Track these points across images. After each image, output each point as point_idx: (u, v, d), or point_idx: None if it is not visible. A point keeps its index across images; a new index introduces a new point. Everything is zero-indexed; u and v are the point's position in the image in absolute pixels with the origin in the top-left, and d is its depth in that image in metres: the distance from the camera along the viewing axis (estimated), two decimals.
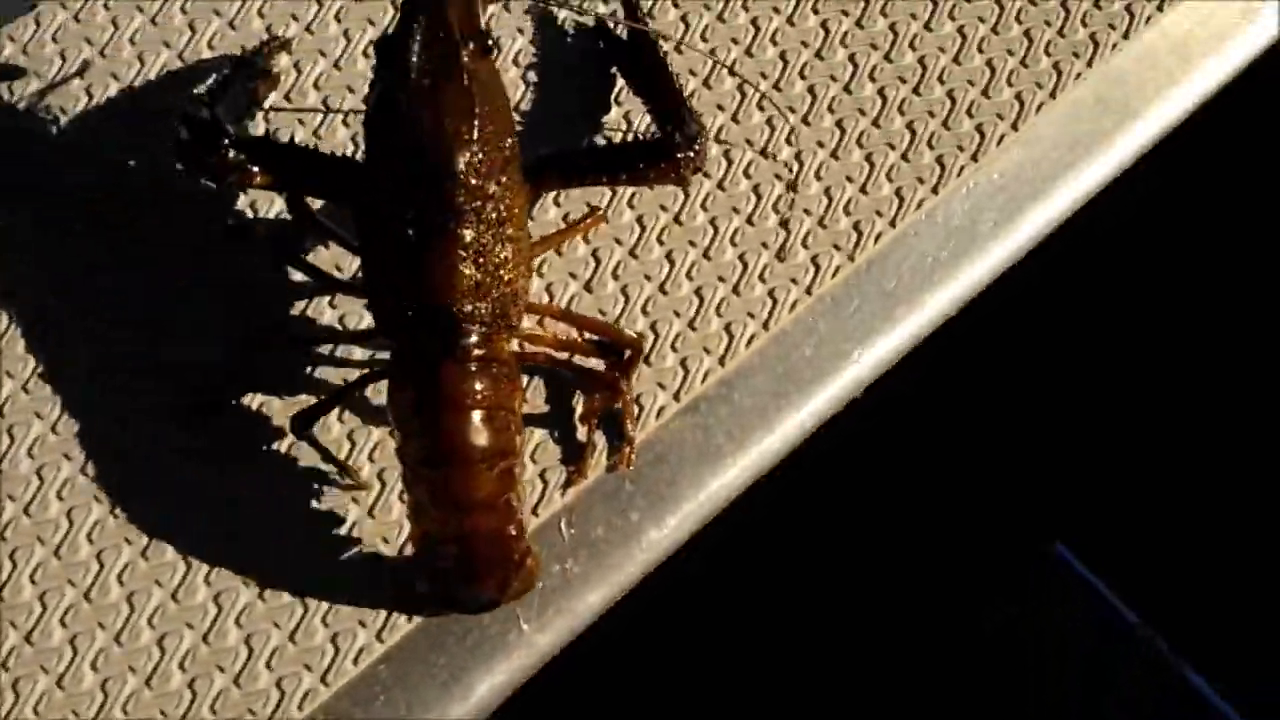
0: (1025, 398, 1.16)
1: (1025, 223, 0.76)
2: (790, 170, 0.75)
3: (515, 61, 0.76)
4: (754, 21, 0.78)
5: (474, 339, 0.62)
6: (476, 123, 0.62)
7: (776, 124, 0.75)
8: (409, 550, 0.68)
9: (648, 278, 0.73)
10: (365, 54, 0.76)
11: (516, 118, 0.72)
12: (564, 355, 0.69)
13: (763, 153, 0.75)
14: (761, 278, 0.74)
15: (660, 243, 0.74)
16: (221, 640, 0.67)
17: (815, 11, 0.78)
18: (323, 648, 0.67)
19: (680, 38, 0.77)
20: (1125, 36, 0.78)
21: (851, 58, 0.77)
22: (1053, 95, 0.77)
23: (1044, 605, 1.07)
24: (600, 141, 0.75)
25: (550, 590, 0.68)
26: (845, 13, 0.78)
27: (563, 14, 0.77)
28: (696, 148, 0.67)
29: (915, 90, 0.77)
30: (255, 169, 0.65)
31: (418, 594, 0.65)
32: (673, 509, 0.70)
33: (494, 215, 0.63)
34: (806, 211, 0.75)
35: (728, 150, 0.75)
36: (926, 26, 0.78)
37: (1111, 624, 1.02)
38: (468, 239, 0.62)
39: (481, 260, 0.62)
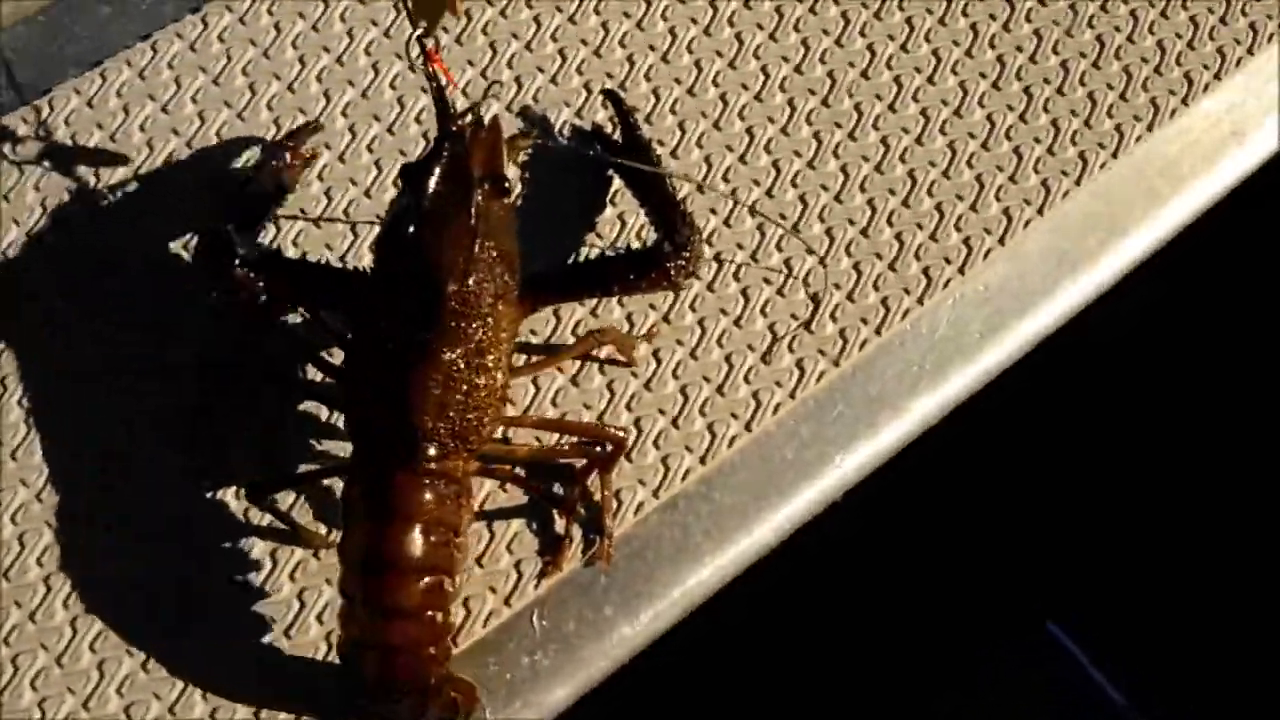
0: (1007, 496, 1.16)
1: (1010, 336, 0.77)
2: (781, 275, 0.76)
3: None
4: (749, 130, 0.80)
5: (431, 454, 0.64)
6: (474, 256, 0.65)
7: (767, 230, 0.77)
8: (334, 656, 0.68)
9: (634, 374, 0.74)
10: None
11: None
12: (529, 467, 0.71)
13: (753, 257, 0.77)
14: (746, 379, 0.75)
15: (647, 340, 0.75)
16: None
17: (809, 122, 0.80)
18: None
19: (676, 144, 0.79)
20: (1114, 155, 0.80)
21: (844, 168, 0.79)
22: (1040, 212, 0.78)
23: (1032, 686, 1.07)
24: (593, 249, 0.76)
25: (519, 682, 0.68)
26: (838, 124, 0.80)
27: (562, 115, 0.80)
28: (687, 254, 0.69)
29: (904, 202, 0.78)
30: (263, 285, 0.68)
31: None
32: (647, 605, 0.70)
33: (474, 344, 0.65)
34: (793, 316, 0.76)
35: (719, 253, 0.77)
36: (918, 140, 0.79)
37: (1100, 705, 1.01)
38: (443, 361, 0.64)
39: (453, 384, 0.64)
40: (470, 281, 0.65)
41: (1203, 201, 0.81)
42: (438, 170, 0.66)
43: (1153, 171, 0.80)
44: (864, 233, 0.78)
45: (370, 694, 0.63)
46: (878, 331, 0.76)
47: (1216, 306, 1.12)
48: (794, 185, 0.79)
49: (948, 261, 0.77)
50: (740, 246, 0.77)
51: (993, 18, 0.82)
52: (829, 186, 0.79)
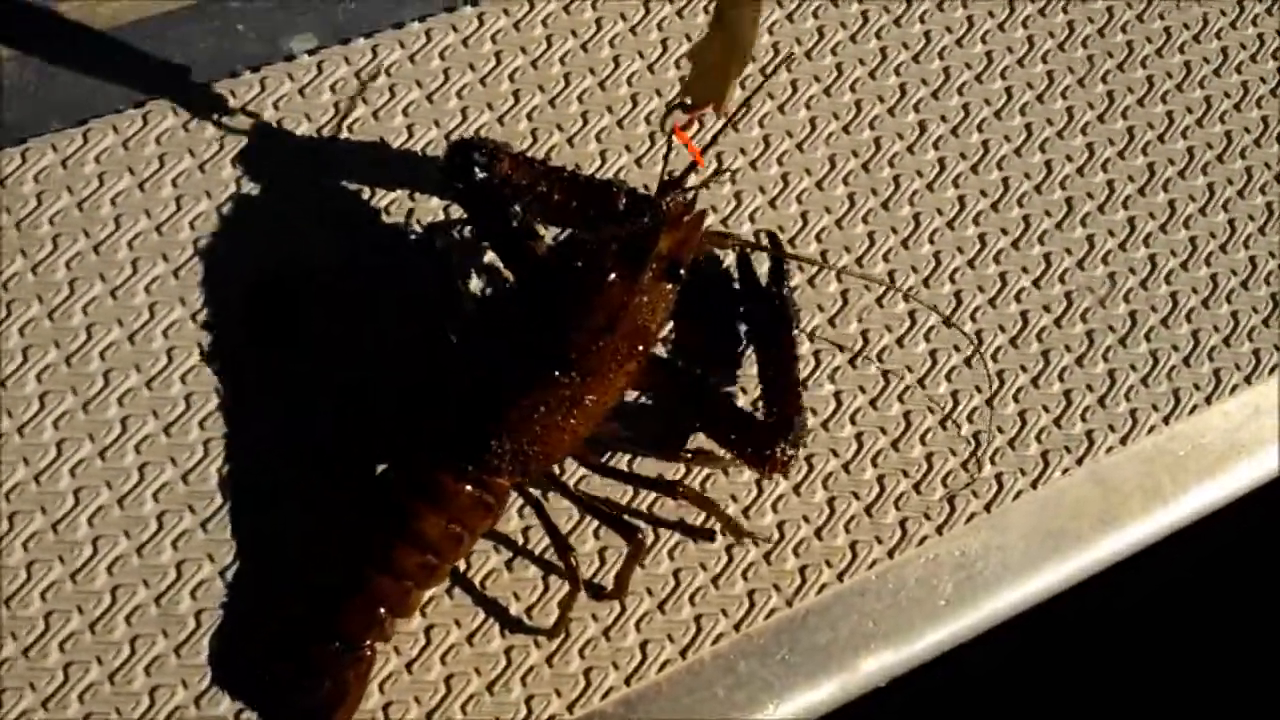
0: None
1: (977, 608, 0.72)
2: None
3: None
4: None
5: (489, 468, 0.65)
6: (623, 322, 0.65)
7: None
8: None
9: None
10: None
11: None
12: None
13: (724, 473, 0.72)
14: (691, 600, 0.70)
15: (596, 537, 0.70)
16: None
17: (810, 339, 0.76)
18: None
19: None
20: (1123, 442, 0.76)
21: (837, 395, 0.75)
22: (1034, 485, 0.74)
23: None
24: (727, 396, 0.73)
25: None
26: (841, 347, 0.76)
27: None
28: (793, 452, 0.68)
29: (894, 445, 0.74)
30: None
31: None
32: None
33: (581, 395, 0.65)
34: (754, 542, 0.71)
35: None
36: (920, 383, 0.75)
37: None
38: (548, 399, 0.65)
39: (543, 419, 0.65)
40: (605, 342, 0.65)
41: (1204, 505, 0.76)
42: (630, 229, 0.67)
43: (1160, 466, 0.76)
44: (845, 468, 0.73)
45: (300, 637, 0.65)
46: (840, 577, 0.71)
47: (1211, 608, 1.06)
48: None
49: (927, 517, 0.73)
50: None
51: (1025, 271, 0.78)
52: (818, 410, 0.74)
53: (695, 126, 0.69)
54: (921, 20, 0.83)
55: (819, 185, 0.79)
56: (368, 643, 0.65)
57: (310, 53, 0.78)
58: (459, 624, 0.68)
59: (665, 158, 0.70)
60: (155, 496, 0.69)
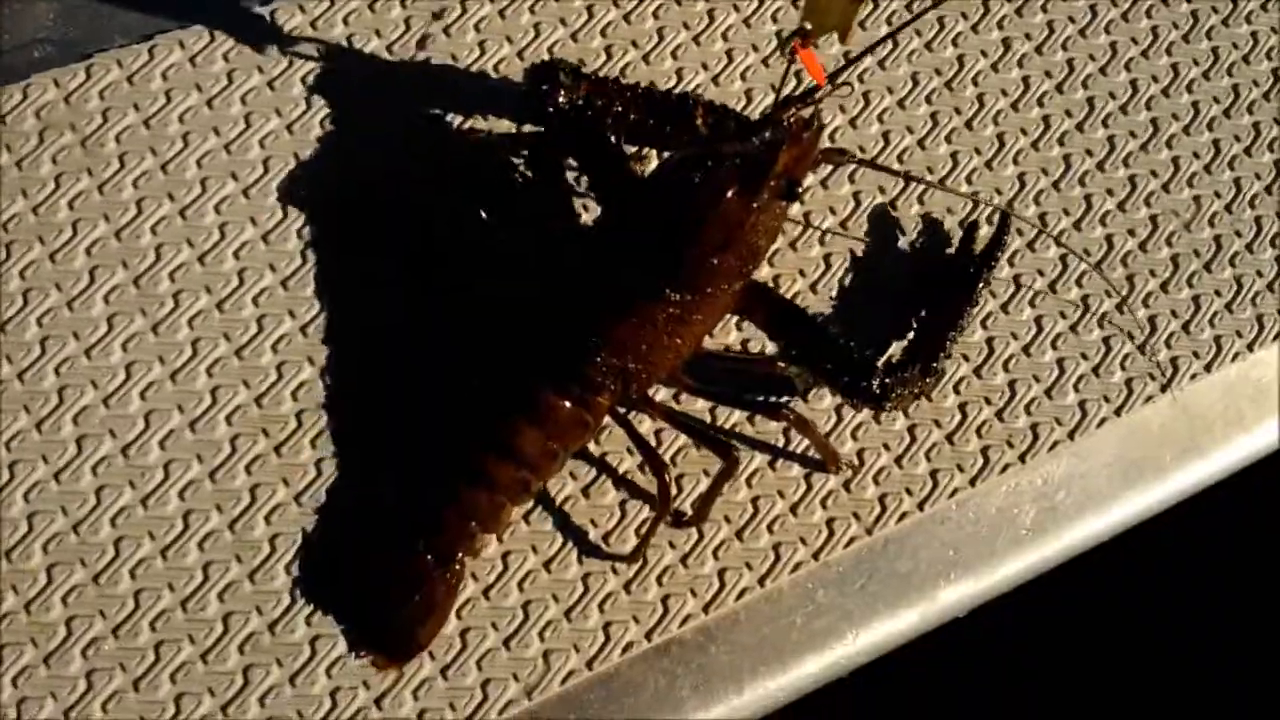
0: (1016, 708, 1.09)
1: (1059, 537, 0.71)
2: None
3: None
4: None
5: (591, 385, 0.65)
6: (737, 239, 0.64)
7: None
8: None
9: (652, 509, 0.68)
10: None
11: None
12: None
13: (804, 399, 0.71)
14: (770, 528, 0.69)
15: (675, 462, 0.69)
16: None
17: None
18: None
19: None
20: (1207, 369, 0.74)
21: None
22: (1118, 412, 0.72)
23: None
24: (824, 326, 0.69)
25: None
26: None
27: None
28: (895, 394, 0.66)
29: (976, 372, 0.72)
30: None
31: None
32: None
33: (688, 311, 0.64)
34: (846, 469, 0.70)
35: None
36: (1004, 308, 0.73)
37: None
38: (656, 314, 0.64)
39: (649, 336, 0.64)
40: (719, 259, 0.64)
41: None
42: (751, 145, 0.65)
43: (1241, 394, 0.74)
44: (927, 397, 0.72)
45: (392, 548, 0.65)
46: (920, 506, 0.70)
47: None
48: None
49: (1010, 445, 0.71)
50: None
51: (1110, 194, 0.76)
52: None
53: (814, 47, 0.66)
54: None
55: (968, 125, 0.77)
56: (459, 555, 0.64)
57: None
58: (536, 550, 0.67)
59: (784, 74, 0.67)
60: (292, 395, 0.68)
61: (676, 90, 0.73)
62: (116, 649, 0.63)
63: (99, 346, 0.67)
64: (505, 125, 0.73)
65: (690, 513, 0.68)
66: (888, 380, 0.66)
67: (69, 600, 0.64)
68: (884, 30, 0.78)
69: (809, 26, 0.64)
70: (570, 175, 0.72)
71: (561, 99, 0.68)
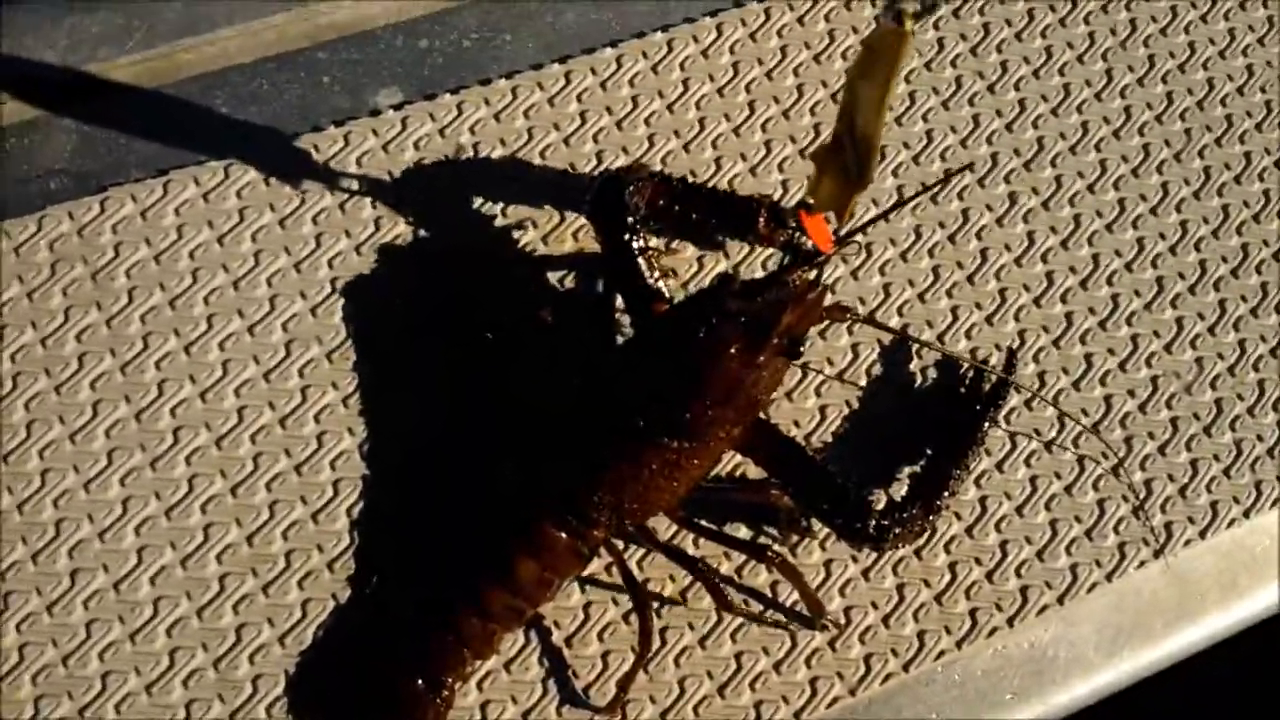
0: None
1: (1045, 702, 0.71)
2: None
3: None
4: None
5: (588, 521, 0.66)
6: (737, 396, 0.65)
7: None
8: None
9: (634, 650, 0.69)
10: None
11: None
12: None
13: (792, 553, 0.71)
14: (753, 685, 0.69)
15: (659, 614, 0.69)
16: None
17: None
18: None
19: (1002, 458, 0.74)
20: (1201, 535, 0.73)
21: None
22: (1109, 577, 0.72)
23: None
24: (823, 465, 0.69)
25: None
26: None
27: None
28: (887, 538, 0.66)
29: (968, 531, 0.72)
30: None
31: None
32: None
33: (684, 459, 0.66)
34: (828, 626, 0.70)
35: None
36: (999, 467, 0.73)
37: None
38: (652, 461, 0.65)
39: (645, 480, 0.66)
40: (719, 412, 0.65)
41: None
42: (755, 303, 0.66)
43: (1238, 561, 0.74)
44: (917, 554, 0.71)
45: (383, 670, 0.66)
46: (906, 667, 0.70)
47: None
48: None
49: (998, 608, 0.71)
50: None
51: (1111, 353, 0.76)
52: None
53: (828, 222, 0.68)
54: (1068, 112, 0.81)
55: (970, 279, 0.77)
56: (449, 682, 0.65)
57: (395, 108, 0.77)
58: (515, 700, 0.68)
59: (791, 241, 0.69)
60: (283, 534, 0.69)
61: (741, 194, 0.74)
62: None
63: (98, 480, 0.69)
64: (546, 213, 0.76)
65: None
66: (885, 521, 0.66)
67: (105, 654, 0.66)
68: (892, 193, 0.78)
69: (811, 202, 0.65)
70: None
71: (629, 218, 0.69)
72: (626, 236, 0.70)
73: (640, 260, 0.70)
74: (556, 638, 0.69)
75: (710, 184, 0.76)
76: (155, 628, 0.67)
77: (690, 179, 0.75)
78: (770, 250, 0.75)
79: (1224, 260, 0.78)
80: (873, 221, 0.73)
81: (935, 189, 0.78)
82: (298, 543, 0.69)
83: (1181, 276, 0.78)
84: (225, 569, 0.68)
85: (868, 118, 0.58)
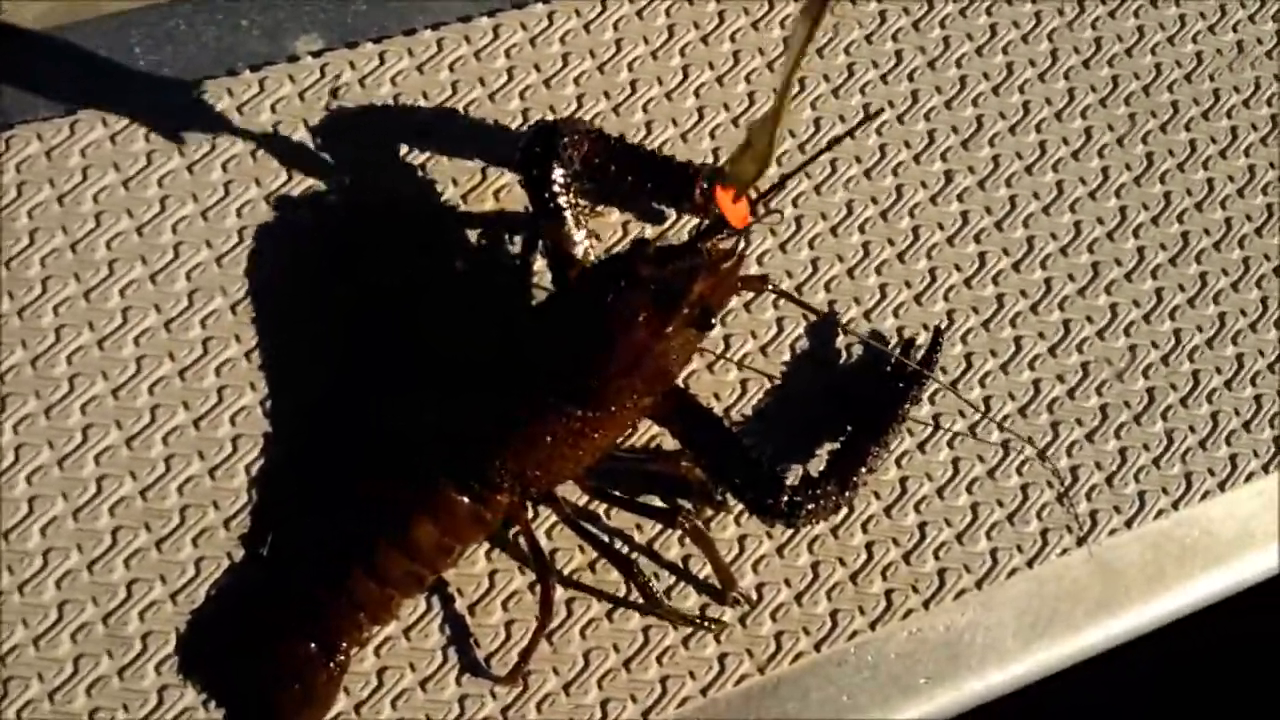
0: None
1: (958, 688, 0.69)
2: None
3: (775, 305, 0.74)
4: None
5: (490, 484, 0.64)
6: (645, 364, 0.63)
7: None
8: None
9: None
10: None
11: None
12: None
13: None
14: (659, 660, 0.67)
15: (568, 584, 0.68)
16: None
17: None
18: None
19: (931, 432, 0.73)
20: (1128, 525, 0.72)
21: None
22: (1030, 564, 0.71)
23: None
24: (739, 439, 0.67)
25: None
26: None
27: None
28: (801, 513, 0.65)
29: (886, 511, 0.71)
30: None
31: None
32: None
33: (591, 426, 0.64)
34: (740, 602, 0.68)
35: None
36: (920, 448, 0.72)
37: None
38: (558, 429, 0.64)
39: (551, 446, 0.64)
40: (626, 381, 0.63)
41: (1208, 596, 0.73)
42: (668, 270, 0.64)
43: (1164, 553, 0.72)
44: (833, 533, 0.70)
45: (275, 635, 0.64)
46: (817, 646, 0.68)
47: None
48: None
49: (915, 590, 0.70)
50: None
51: (1041, 337, 0.75)
52: None
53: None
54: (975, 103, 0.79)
55: (900, 257, 0.75)
56: (344, 646, 0.64)
57: (315, 55, 0.75)
58: (414, 668, 0.66)
59: (705, 205, 0.68)
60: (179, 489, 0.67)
61: (677, 159, 0.72)
62: None
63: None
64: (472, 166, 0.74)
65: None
66: (798, 497, 0.65)
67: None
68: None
69: (727, 173, 0.63)
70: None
71: (560, 172, 0.67)
72: (556, 190, 0.68)
73: (567, 216, 0.68)
74: (459, 605, 0.67)
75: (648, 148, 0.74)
76: (44, 579, 0.65)
77: (625, 138, 0.73)
78: (697, 220, 0.73)
79: (1162, 248, 0.77)
80: (784, 181, 0.71)
81: (844, 137, 0.76)
82: (193, 499, 0.67)
83: (1118, 263, 0.77)
84: (118, 522, 0.66)
85: (777, 88, 0.57)
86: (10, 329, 0.68)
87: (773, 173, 0.67)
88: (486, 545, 0.68)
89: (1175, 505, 0.73)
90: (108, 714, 0.63)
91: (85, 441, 0.67)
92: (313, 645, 0.63)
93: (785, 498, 0.64)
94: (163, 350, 0.69)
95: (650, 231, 0.74)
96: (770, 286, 0.69)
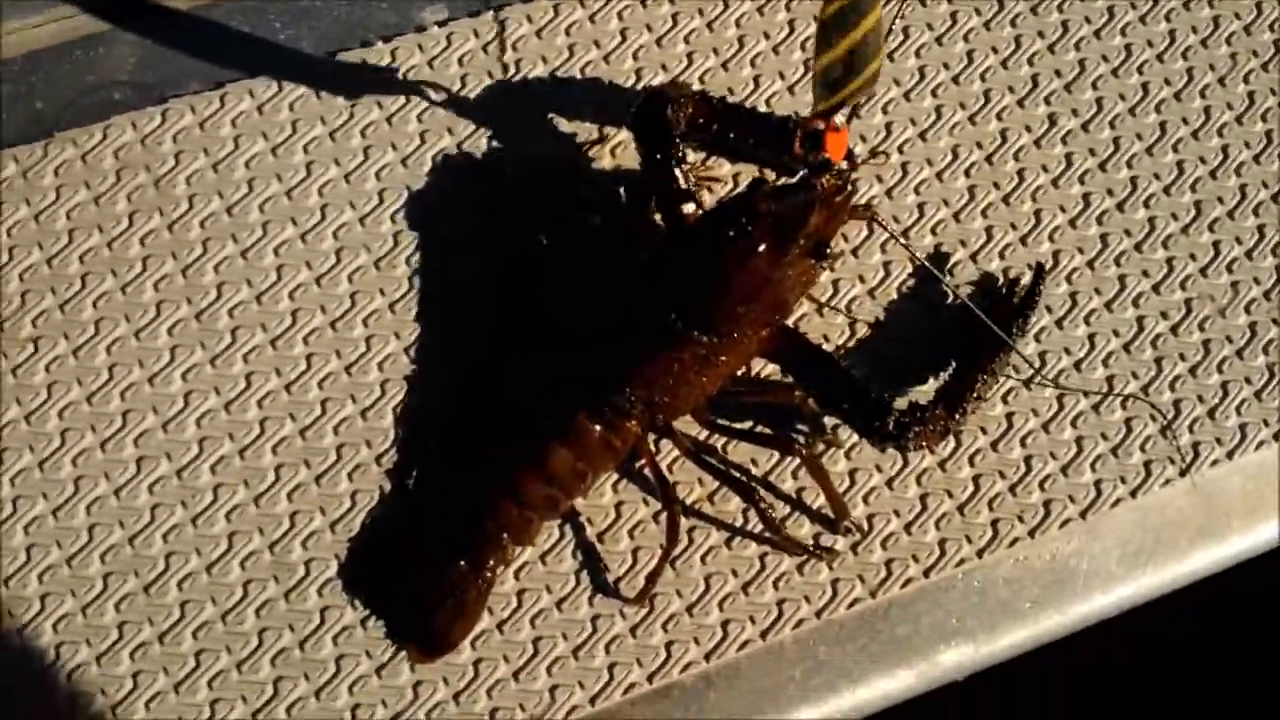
0: None
1: (1063, 613, 0.72)
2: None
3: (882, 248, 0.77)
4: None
5: (621, 412, 0.69)
6: (765, 295, 0.68)
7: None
8: None
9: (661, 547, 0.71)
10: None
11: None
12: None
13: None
14: (775, 584, 0.71)
15: (690, 514, 0.72)
16: None
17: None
18: None
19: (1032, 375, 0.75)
20: (1229, 456, 0.74)
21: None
22: (1134, 494, 0.73)
23: None
24: (848, 370, 0.70)
25: None
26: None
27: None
28: (911, 435, 0.68)
29: (993, 445, 0.74)
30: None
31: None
32: None
33: (715, 355, 0.69)
34: (851, 530, 0.72)
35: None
36: (1026, 385, 0.75)
37: None
38: (684, 358, 0.68)
39: (677, 374, 0.69)
40: (746, 310, 0.68)
41: None
42: (784, 204, 0.68)
43: (1264, 482, 0.74)
44: (941, 466, 0.73)
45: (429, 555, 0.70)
46: (926, 573, 0.72)
47: None
48: None
49: (1020, 520, 0.73)
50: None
51: (1145, 275, 0.77)
52: None
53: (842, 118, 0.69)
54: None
55: (1005, 200, 0.78)
56: (490, 564, 0.69)
57: (440, 24, 0.80)
58: (550, 590, 0.71)
59: (804, 158, 0.71)
60: (334, 430, 0.73)
61: (777, 115, 0.76)
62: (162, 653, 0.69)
63: (161, 375, 0.73)
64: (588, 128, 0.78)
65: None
66: (906, 419, 0.68)
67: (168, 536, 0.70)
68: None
69: (825, 100, 0.66)
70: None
71: (669, 134, 0.72)
72: (667, 150, 0.72)
73: (678, 172, 0.72)
74: (589, 533, 0.72)
75: (748, 103, 0.78)
76: (215, 513, 0.71)
77: (729, 97, 0.77)
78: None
79: (1264, 185, 0.78)
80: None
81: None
82: (347, 438, 0.73)
83: (1220, 201, 0.78)
84: (280, 460, 0.72)
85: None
86: (175, 286, 0.75)
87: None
88: (614, 478, 0.72)
89: (1277, 436, 0.75)
90: (274, 633, 0.69)
91: (249, 387, 0.73)
92: (463, 564, 0.69)
93: (893, 419, 0.68)
94: (315, 304, 0.75)
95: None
96: (875, 215, 0.73)
